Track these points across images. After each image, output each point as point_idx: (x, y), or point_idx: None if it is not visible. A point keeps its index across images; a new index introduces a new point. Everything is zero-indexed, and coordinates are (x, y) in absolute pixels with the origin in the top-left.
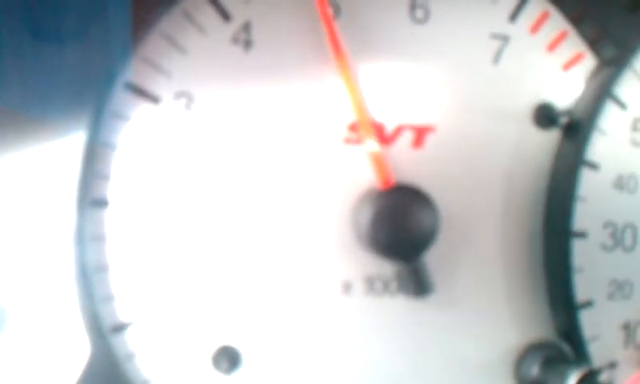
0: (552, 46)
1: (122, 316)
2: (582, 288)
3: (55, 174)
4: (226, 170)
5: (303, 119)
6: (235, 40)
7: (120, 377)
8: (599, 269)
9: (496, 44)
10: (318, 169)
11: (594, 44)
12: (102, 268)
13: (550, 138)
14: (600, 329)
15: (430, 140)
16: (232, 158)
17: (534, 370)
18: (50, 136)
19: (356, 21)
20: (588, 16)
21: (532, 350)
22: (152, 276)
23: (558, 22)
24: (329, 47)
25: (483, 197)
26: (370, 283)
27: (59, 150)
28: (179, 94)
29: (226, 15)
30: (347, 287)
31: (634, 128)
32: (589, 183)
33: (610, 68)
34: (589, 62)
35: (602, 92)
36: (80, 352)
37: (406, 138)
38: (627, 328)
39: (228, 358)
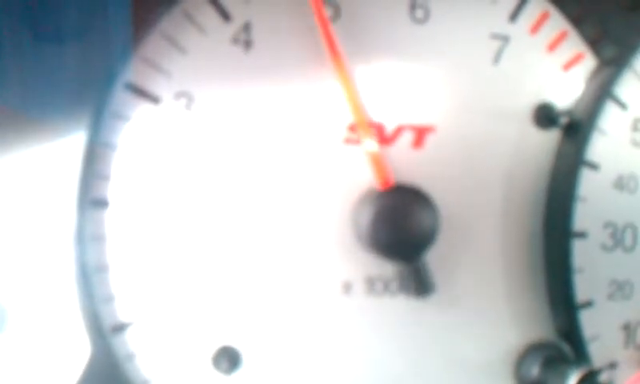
0: (552, 46)
1: (122, 316)
2: (582, 288)
3: (55, 174)
4: (226, 171)
5: (303, 119)
6: (235, 40)
7: (120, 377)
8: (599, 269)
9: (496, 44)
10: (318, 169)
11: (594, 44)
12: (102, 268)
13: (550, 138)
14: (600, 329)
15: (430, 140)
16: (232, 159)
17: (534, 370)
18: (50, 136)
19: (356, 21)
20: (588, 16)
21: (532, 350)
22: (152, 276)
23: (558, 22)
24: (325, 48)
25: (483, 197)
26: (371, 283)
27: (59, 150)
28: (179, 94)
29: (226, 15)
30: (347, 287)
31: (634, 128)
32: (589, 183)
33: (610, 68)
34: (589, 62)
35: (602, 92)
36: (80, 352)
37: (406, 138)
38: (627, 328)
39: (228, 358)
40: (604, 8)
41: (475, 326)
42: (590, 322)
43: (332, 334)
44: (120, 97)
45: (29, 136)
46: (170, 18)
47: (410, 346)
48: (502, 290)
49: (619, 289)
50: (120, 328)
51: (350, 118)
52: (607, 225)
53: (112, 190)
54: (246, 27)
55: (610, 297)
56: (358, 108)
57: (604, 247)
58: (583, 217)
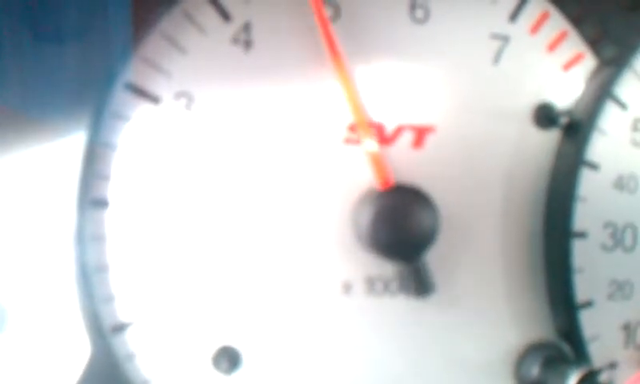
0: (552, 46)
1: (122, 316)
2: (582, 288)
3: (55, 174)
4: (226, 171)
5: (303, 119)
6: (235, 40)
7: (120, 377)
8: (599, 269)
9: (496, 44)
10: (318, 169)
11: (594, 44)
12: (102, 268)
13: (550, 138)
14: (600, 329)
15: (430, 140)
16: (232, 159)
17: (534, 370)
18: (50, 136)
19: (356, 21)
20: (588, 16)
21: (532, 350)
22: (152, 276)
23: (558, 22)
24: (325, 48)
25: (483, 197)
26: (371, 283)
27: (59, 150)
28: (179, 94)
29: (226, 15)
30: (347, 287)
31: (635, 128)
32: (589, 183)
33: (610, 68)
34: (589, 62)
35: (602, 92)
36: (80, 352)
37: (406, 138)
38: (627, 328)
39: (228, 359)
40: (604, 8)
41: (475, 326)
42: (589, 322)
43: (332, 334)
44: (120, 97)
45: (29, 136)
46: (170, 18)
47: (410, 346)
48: (502, 290)
49: (619, 289)
50: (120, 328)
51: (350, 118)
52: (607, 225)
53: (112, 190)
54: (246, 27)
55: (610, 297)
56: (357, 108)
57: (604, 247)
58: (583, 217)
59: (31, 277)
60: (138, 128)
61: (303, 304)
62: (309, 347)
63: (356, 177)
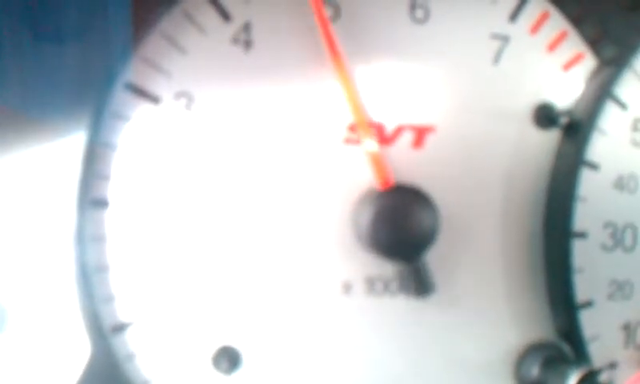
0: (552, 46)
1: (122, 316)
2: (582, 288)
3: (55, 174)
4: (226, 171)
5: (303, 119)
6: (235, 40)
7: (120, 377)
8: (599, 269)
9: (496, 44)
10: (318, 169)
11: (594, 44)
12: (102, 268)
13: (550, 138)
14: (600, 329)
15: (430, 140)
16: (232, 159)
17: (534, 370)
18: (50, 136)
19: (356, 21)
20: (588, 16)
21: (532, 350)
22: (152, 276)
23: (558, 22)
24: (325, 48)
25: (483, 197)
26: (371, 283)
27: (59, 150)
28: (179, 94)
29: (226, 15)
30: (347, 287)
31: (635, 128)
32: (589, 183)
33: (610, 68)
34: (589, 62)
35: (602, 92)
36: (80, 352)
37: (406, 138)
38: (627, 328)
39: (228, 359)
40: (604, 8)
41: (475, 326)
42: (589, 322)
43: (332, 334)
44: (120, 97)
45: (29, 136)
46: (169, 18)
47: (410, 346)
48: (502, 289)
49: (619, 289)
50: (120, 328)
51: (350, 118)
52: (607, 225)
53: (112, 190)
54: (246, 27)
55: (610, 297)
56: (357, 108)
57: (604, 247)
58: (583, 217)
59: (31, 277)
60: (137, 128)
61: (303, 304)
62: (309, 347)
63: (356, 177)
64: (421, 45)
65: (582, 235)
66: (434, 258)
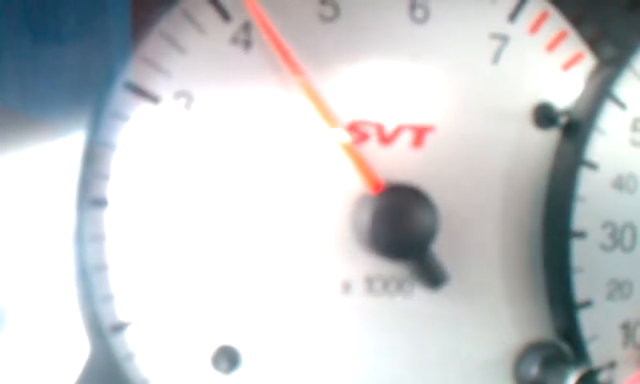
0: (551, 46)
1: (121, 315)
2: (581, 288)
3: (55, 174)
4: (226, 170)
5: (302, 119)
6: (235, 40)
7: (119, 376)
8: (598, 269)
9: (495, 44)
10: (317, 169)
11: (593, 44)
12: (101, 268)
13: (549, 138)
14: (599, 328)
15: (430, 140)
16: (231, 158)
17: (534, 369)
18: (49, 136)
19: (355, 20)
20: (587, 16)
21: (531, 349)
22: (151, 276)
23: (557, 22)
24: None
25: (483, 197)
26: (370, 283)
27: (59, 149)
28: (179, 94)
29: (225, 15)
30: (347, 287)
31: (634, 128)
32: (588, 183)
33: (610, 68)
34: (588, 62)
35: (601, 92)
36: (79, 352)
37: (406, 137)
38: (626, 328)
39: (227, 358)
40: (604, 8)
41: (474, 325)
42: (589, 322)
43: (331, 333)
44: (119, 96)
45: (28, 136)
46: (169, 18)
47: (409, 346)
48: (501, 289)
49: (618, 288)
50: (119, 327)
51: (349, 118)
52: (606, 224)
53: (111, 189)
54: (246, 27)
55: (609, 296)
56: (329, 119)
57: (603, 247)
58: (582, 216)
59: (30, 276)
60: (137, 127)
61: (303, 304)
62: (308, 347)
63: (355, 176)
64: (420, 44)
65: (582, 235)
66: None
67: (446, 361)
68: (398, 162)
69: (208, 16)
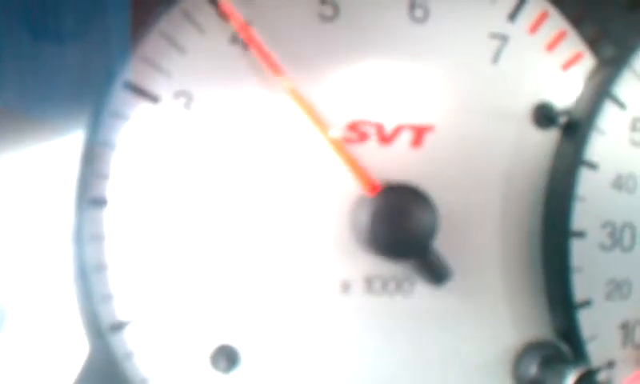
0: (551, 46)
1: (120, 315)
2: (580, 287)
3: (54, 174)
4: (225, 170)
5: (302, 119)
6: (234, 40)
7: (118, 375)
8: (598, 268)
9: (495, 44)
10: (317, 168)
11: (593, 44)
12: (100, 267)
13: (549, 138)
14: (598, 328)
15: (430, 139)
16: (231, 158)
17: (533, 369)
18: (49, 135)
19: (355, 20)
20: (587, 16)
21: (530, 349)
22: (150, 275)
23: (557, 22)
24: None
25: (482, 196)
26: (369, 283)
27: (58, 149)
28: (178, 94)
29: (225, 15)
30: (346, 287)
31: (633, 128)
32: (588, 183)
33: (610, 68)
34: (588, 62)
35: (601, 92)
36: (78, 351)
37: (405, 137)
38: (625, 327)
39: (226, 357)
40: (603, 8)
41: (473, 325)
42: (588, 322)
43: (330, 333)
44: (119, 96)
45: (28, 135)
46: (169, 18)
47: (408, 346)
48: (500, 289)
49: (617, 288)
50: (118, 327)
51: (349, 117)
52: (606, 224)
53: (111, 189)
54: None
55: (609, 296)
56: (320, 124)
57: (602, 247)
58: (582, 216)
59: (30, 276)
60: (137, 127)
61: (302, 303)
62: (307, 346)
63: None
64: (420, 44)
65: (581, 234)
66: None
67: (446, 360)
68: (397, 162)
69: (208, 16)
